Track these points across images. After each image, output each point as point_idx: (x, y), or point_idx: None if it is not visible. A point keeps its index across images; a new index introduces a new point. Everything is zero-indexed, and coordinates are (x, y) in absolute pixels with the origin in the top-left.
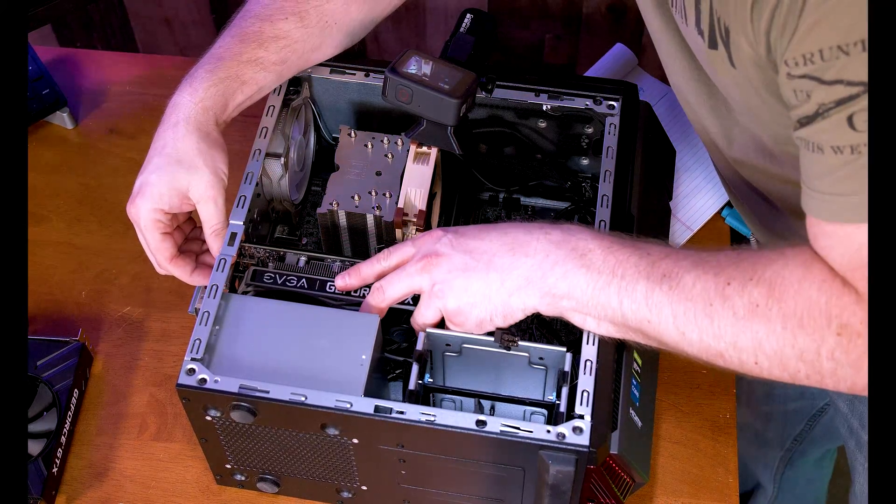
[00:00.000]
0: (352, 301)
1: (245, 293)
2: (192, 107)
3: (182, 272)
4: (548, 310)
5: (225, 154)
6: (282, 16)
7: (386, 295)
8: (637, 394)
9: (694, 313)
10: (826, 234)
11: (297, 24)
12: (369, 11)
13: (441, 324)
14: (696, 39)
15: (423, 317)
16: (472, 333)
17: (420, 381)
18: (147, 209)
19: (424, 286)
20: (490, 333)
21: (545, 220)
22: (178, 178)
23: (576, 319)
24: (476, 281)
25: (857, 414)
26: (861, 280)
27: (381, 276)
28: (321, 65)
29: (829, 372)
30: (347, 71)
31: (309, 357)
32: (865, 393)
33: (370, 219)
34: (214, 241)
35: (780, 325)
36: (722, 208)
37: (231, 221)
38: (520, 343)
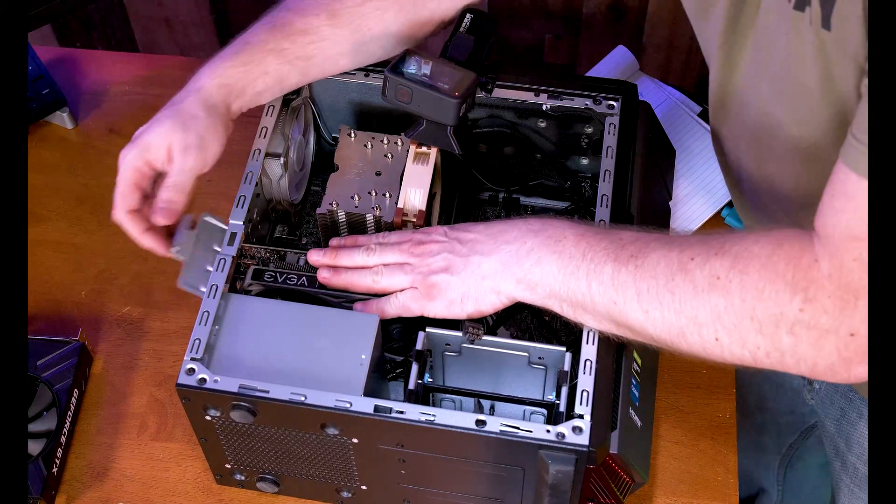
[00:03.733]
0: (352, 299)
1: (246, 293)
2: (208, 81)
3: (134, 228)
4: (525, 297)
5: (222, 134)
6: (315, 11)
7: (382, 277)
8: (637, 393)
9: (657, 290)
10: (850, 191)
11: (327, 22)
12: (406, 25)
13: (407, 321)
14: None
15: (395, 282)
16: (440, 315)
17: (420, 381)
18: (133, 155)
19: (413, 261)
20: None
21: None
22: (170, 132)
23: (555, 307)
24: (458, 260)
25: (843, 435)
26: (855, 250)
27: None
28: None
29: (788, 349)
30: (347, 71)
31: (309, 357)
32: (825, 378)
33: (370, 219)
34: (165, 192)
35: (739, 298)
36: (722, 208)
37: (231, 221)
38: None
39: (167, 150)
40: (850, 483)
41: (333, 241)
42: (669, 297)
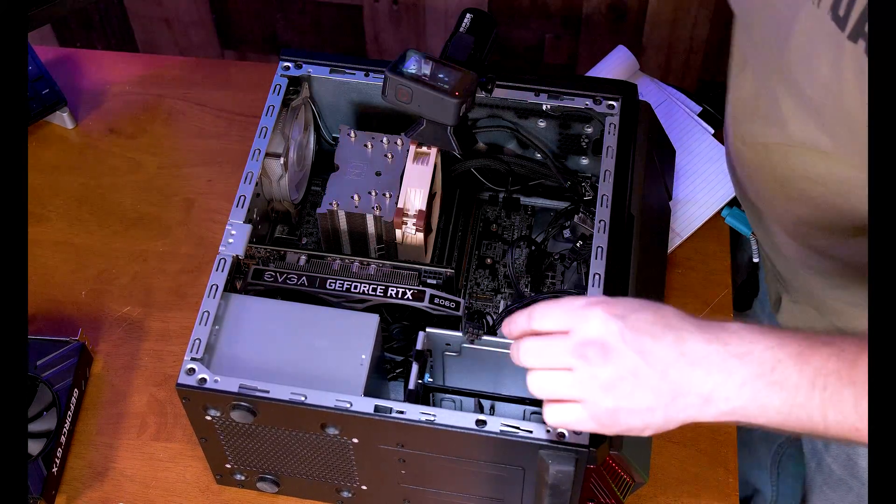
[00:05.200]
0: (352, 299)
1: (246, 293)
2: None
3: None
4: (711, 419)
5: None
6: None
7: (522, 361)
8: None
9: None
10: None
11: None
12: None
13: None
14: (824, 26)
15: (562, 418)
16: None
17: (420, 381)
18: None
19: (581, 379)
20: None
21: (721, 321)
22: None
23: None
24: (645, 390)
25: None
26: None
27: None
28: (321, 64)
29: None
30: (347, 71)
31: (309, 357)
32: None
33: (370, 219)
34: None
35: None
36: (722, 208)
37: (232, 221)
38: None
39: None
40: (822, 484)
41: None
42: None
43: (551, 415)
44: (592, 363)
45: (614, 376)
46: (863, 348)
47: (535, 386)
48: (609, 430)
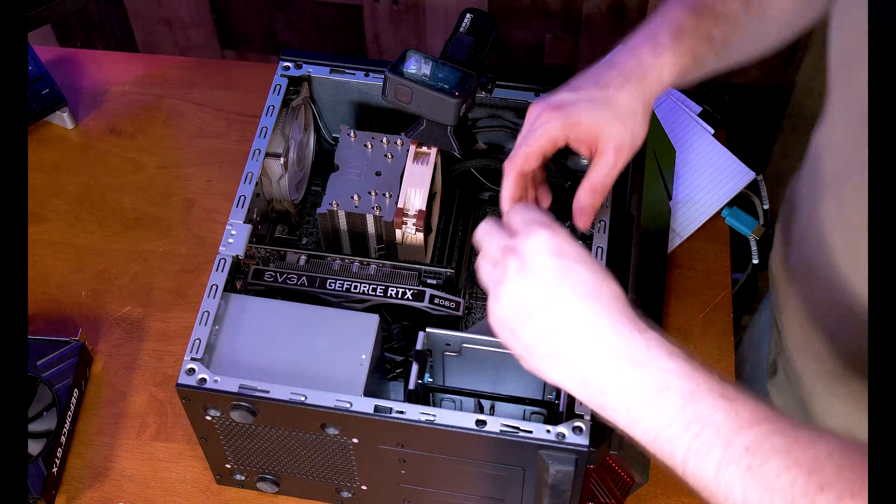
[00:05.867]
0: (352, 299)
1: (246, 293)
2: (651, 71)
3: (509, 190)
4: (579, 397)
5: (645, 127)
6: None
7: (475, 236)
8: None
9: None
10: None
11: (742, 6)
12: (801, 14)
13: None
14: None
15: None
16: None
17: (420, 381)
18: (556, 124)
19: (491, 276)
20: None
21: (649, 325)
22: (606, 124)
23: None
24: (532, 331)
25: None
26: None
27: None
28: (321, 64)
29: None
30: (347, 71)
31: (309, 357)
32: None
33: (370, 219)
34: (584, 195)
35: None
36: (722, 208)
37: (232, 221)
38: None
39: (595, 138)
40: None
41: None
42: None
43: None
44: (507, 270)
45: (515, 295)
46: (758, 421)
47: (476, 267)
48: (499, 337)
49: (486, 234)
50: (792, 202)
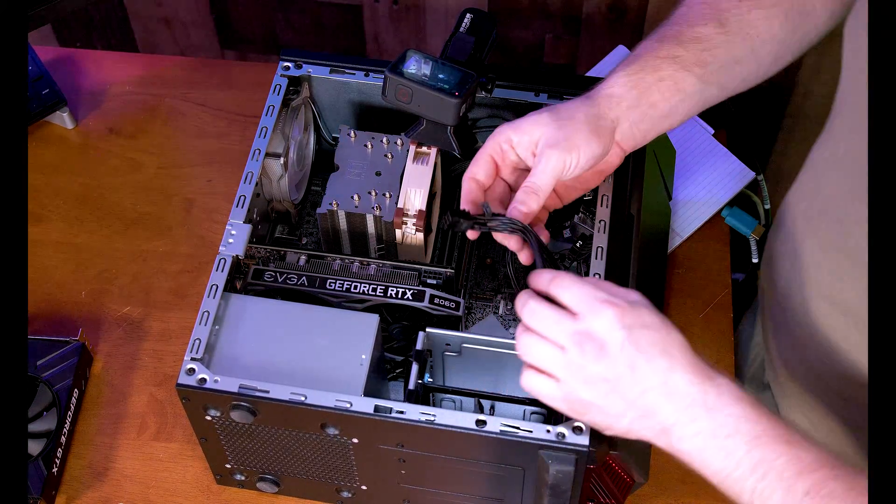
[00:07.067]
0: (352, 299)
1: (246, 293)
2: (598, 92)
3: (466, 194)
4: (656, 443)
5: (595, 145)
6: (701, 21)
7: (524, 317)
8: None
9: None
10: None
11: (717, 30)
12: (793, 32)
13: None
14: None
15: (537, 386)
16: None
17: (420, 381)
18: (503, 129)
19: (569, 363)
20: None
21: (716, 370)
22: (543, 124)
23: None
24: (621, 400)
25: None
26: None
27: (539, 294)
28: (321, 64)
29: None
30: (347, 71)
31: (309, 357)
32: None
33: (370, 219)
34: (524, 195)
35: None
36: (722, 208)
37: (232, 221)
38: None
39: (534, 141)
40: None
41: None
42: None
43: (529, 380)
44: (585, 355)
45: (599, 376)
46: (818, 467)
47: (525, 347)
48: (574, 415)
49: (540, 317)
50: (784, 217)
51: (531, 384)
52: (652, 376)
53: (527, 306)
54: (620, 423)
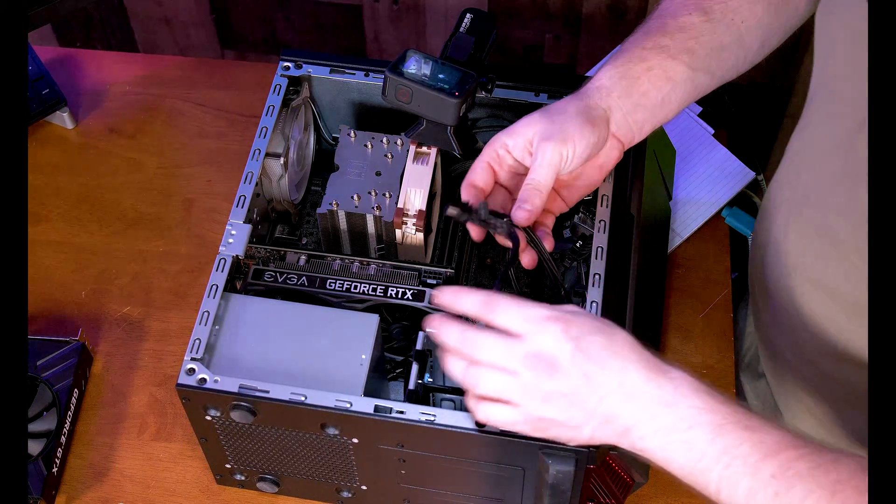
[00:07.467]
0: (352, 299)
1: (246, 293)
2: (587, 86)
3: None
4: (619, 445)
5: (589, 135)
6: (685, 11)
7: (468, 350)
8: None
9: None
10: None
11: (701, 18)
12: (776, 17)
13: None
14: None
15: (495, 416)
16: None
17: (420, 381)
18: (498, 136)
19: (524, 386)
20: None
21: (669, 364)
22: (535, 122)
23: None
24: (580, 410)
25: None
26: None
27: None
28: (321, 64)
29: None
30: (347, 71)
31: (309, 357)
32: None
33: (370, 219)
34: (526, 193)
35: None
36: (722, 208)
37: (232, 221)
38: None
39: (529, 140)
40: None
41: (436, 299)
42: None
43: (486, 411)
44: (539, 375)
45: (556, 391)
46: (781, 449)
47: (475, 379)
48: (537, 433)
49: (486, 347)
50: (767, 207)
51: (489, 415)
52: (607, 381)
53: (466, 338)
54: (583, 433)
